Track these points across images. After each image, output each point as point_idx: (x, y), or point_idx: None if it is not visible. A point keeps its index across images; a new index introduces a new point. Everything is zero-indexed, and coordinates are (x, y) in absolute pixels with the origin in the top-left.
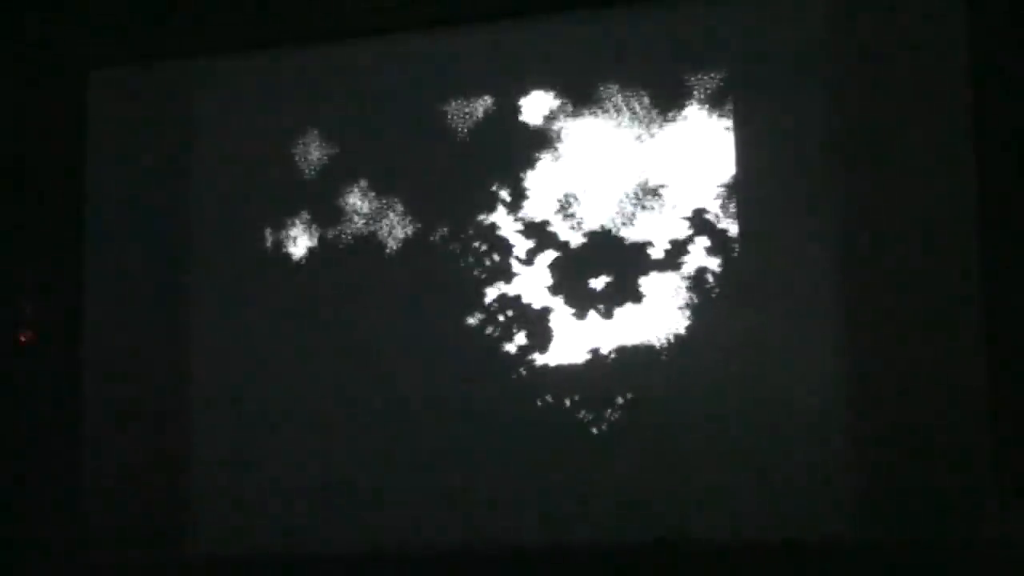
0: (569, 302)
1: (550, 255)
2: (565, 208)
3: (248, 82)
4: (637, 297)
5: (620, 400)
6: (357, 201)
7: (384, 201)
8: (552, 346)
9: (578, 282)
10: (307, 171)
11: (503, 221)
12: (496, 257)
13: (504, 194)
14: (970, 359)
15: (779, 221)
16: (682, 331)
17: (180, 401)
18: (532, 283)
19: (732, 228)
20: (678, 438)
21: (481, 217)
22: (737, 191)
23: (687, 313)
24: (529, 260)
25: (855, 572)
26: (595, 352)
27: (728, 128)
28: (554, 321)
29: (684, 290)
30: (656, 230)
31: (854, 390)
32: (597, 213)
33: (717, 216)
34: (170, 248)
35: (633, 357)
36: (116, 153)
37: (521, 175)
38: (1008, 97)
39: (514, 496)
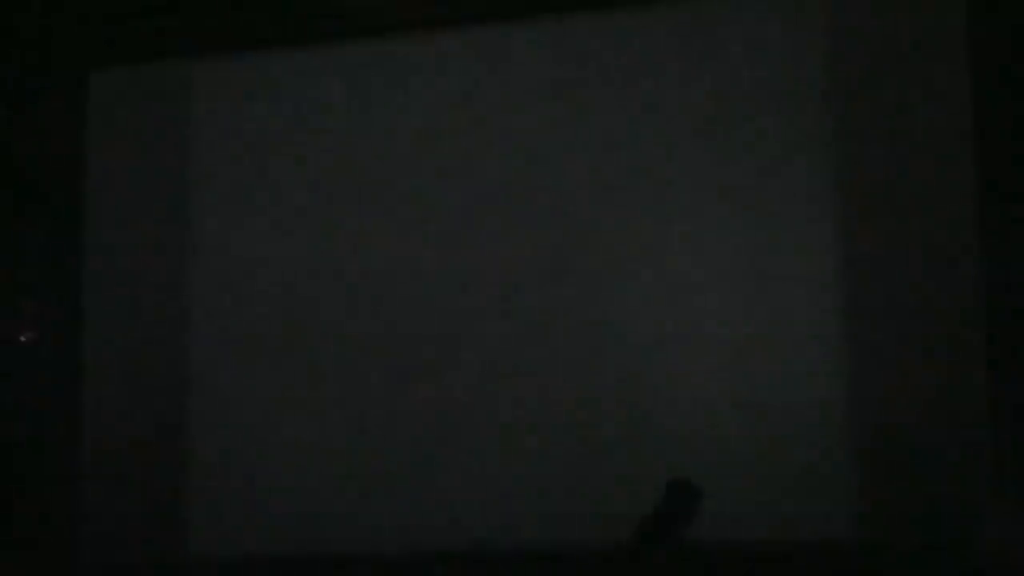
0: (569, 301)
1: (550, 255)
2: (562, 207)
3: (248, 82)
4: (637, 297)
5: (619, 400)
6: (357, 201)
7: (384, 201)
8: (552, 346)
9: (576, 282)
10: (307, 171)
11: (503, 220)
12: (496, 256)
13: (504, 193)
14: (970, 359)
15: (779, 221)
16: (682, 331)
17: (180, 401)
18: (531, 283)
19: (732, 228)
20: (678, 438)
21: (481, 216)
22: (737, 191)
23: (687, 313)
24: (527, 260)
25: (855, 572)
26: (595, 352)
27: (728, 128)
28: (554, 321)
29: (684, 290)
30: (656, 230)
31: (854, 390)
32: (595, 213)
33: (717, 216)
34: (170, 248)
35: (633, 357)
36: (116, 153)
37: (520, 175)
38: (1008, 97)
39: (514, 496)
